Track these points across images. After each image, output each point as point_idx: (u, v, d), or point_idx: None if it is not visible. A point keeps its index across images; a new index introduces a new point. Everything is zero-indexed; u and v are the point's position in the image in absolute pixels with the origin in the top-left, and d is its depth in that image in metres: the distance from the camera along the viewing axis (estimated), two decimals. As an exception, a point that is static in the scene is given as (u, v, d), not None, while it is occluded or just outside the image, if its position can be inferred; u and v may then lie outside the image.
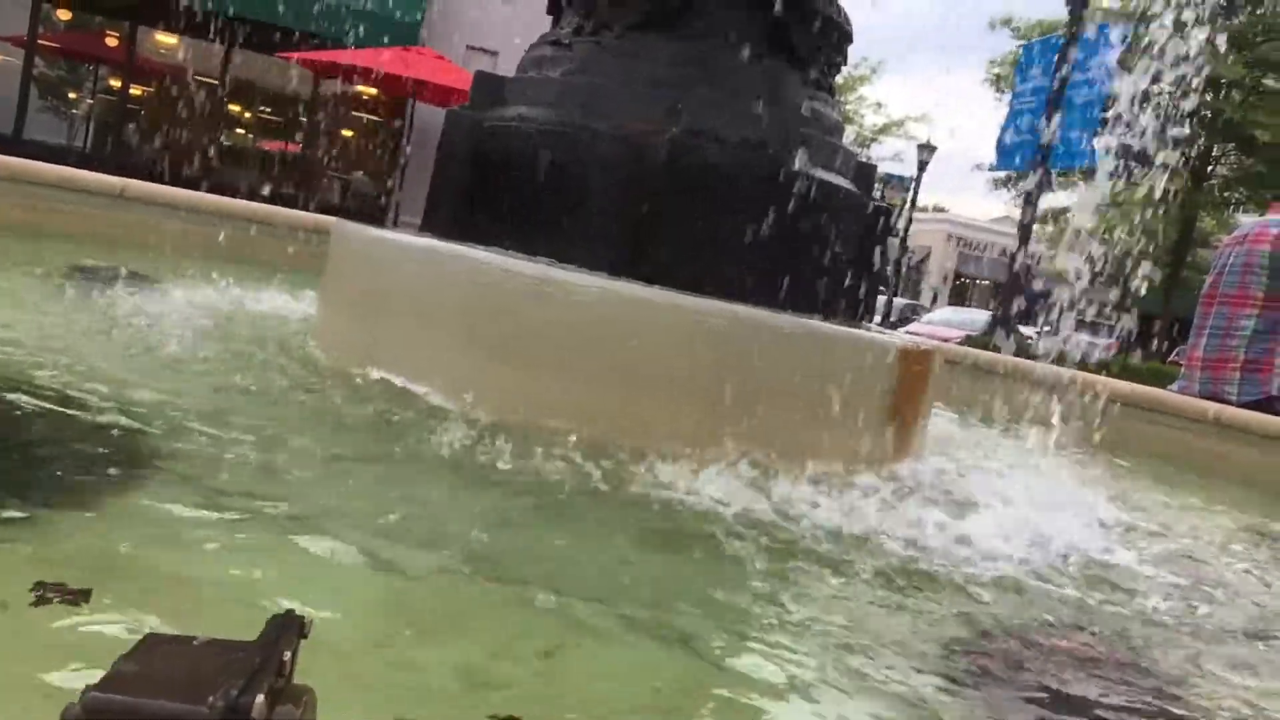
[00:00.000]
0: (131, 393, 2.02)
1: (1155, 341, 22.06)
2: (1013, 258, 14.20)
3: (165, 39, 16.48)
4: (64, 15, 16.32)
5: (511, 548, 1.64)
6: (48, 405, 1.83)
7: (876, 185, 3.02)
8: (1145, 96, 3.34)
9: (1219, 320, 4.64)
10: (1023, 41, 23.39)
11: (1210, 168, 24.04)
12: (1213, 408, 4.21)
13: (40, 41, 15.52)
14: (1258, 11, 22.23)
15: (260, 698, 0.56)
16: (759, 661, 1.30)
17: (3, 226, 4.18)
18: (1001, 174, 25.80)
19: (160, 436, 1.75)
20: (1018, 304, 12.74)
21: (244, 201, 5.24)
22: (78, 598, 1.06)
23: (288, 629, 0.65)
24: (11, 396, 1.87)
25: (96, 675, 0.57)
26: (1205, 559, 2.44)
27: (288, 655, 0.63)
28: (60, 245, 4.17)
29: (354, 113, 17.23)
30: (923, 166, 26.65)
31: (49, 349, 2.27)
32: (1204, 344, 4.72)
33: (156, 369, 2.30)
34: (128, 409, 1.88)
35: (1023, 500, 2.44)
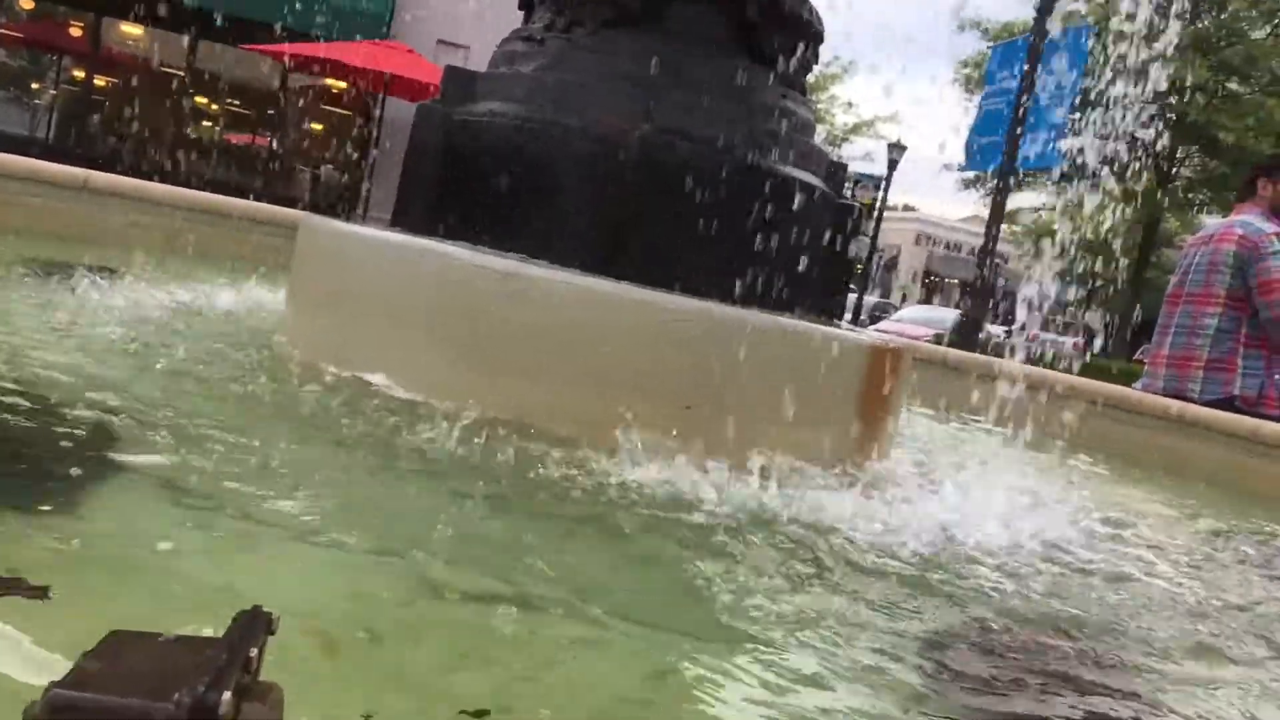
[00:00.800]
0: (94, 389, 1.99)
1: (1118, 341, 22.35)
2: (980, 257, 14.33)
3: (130, 30, 16.27)
4: (26, 4, 16.08)
5: (479, 544, 1.63)
6: (5, 400, 1.80)
7: (847, 184, 3.04)
8: (1110, 100, 3.38)
9: (1184, 319, 4.70)
10: (991, 43, 23.65)
11: (1175, 169, 24.43)
12: (1176, 405, 4.28)
13: (2, 31, 15.27)
14: (1221, 16, 22.62)
15: (227, 694, 0.55)
16: (735, 654, 1.31)
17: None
18: (970, 174, 26.07)
19: (123, 433, 1.73)
20: (986, 303, 12.87)
21: (209, 194, 5.18)
22: (37, 594, 1.04)
23: (254, 625, 0.65)
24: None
25: (59, 674, 0.56)
26: (1166, 553, 2.48)
27: (254, 651, 0.62)
28: (20, 238, 4.11)
29: (323, 106, 17.10)
30: (893, 166, 26.84)
31: (11, 344, 2.24)
32: (1169, 342, 4.78)
33: (119, 365, 2.27)
34: (90, 405, 1.86)
35: (988, 496, 2.46)
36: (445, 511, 1.75)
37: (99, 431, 1.72)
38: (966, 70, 27.72)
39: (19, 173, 4.50)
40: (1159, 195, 23.09)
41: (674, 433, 2.22)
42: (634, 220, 2.62)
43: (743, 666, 1.28)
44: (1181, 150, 24.00)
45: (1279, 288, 4.39)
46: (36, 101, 17.32)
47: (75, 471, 1.49)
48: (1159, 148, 22.44)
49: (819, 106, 31.08)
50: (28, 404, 1.80)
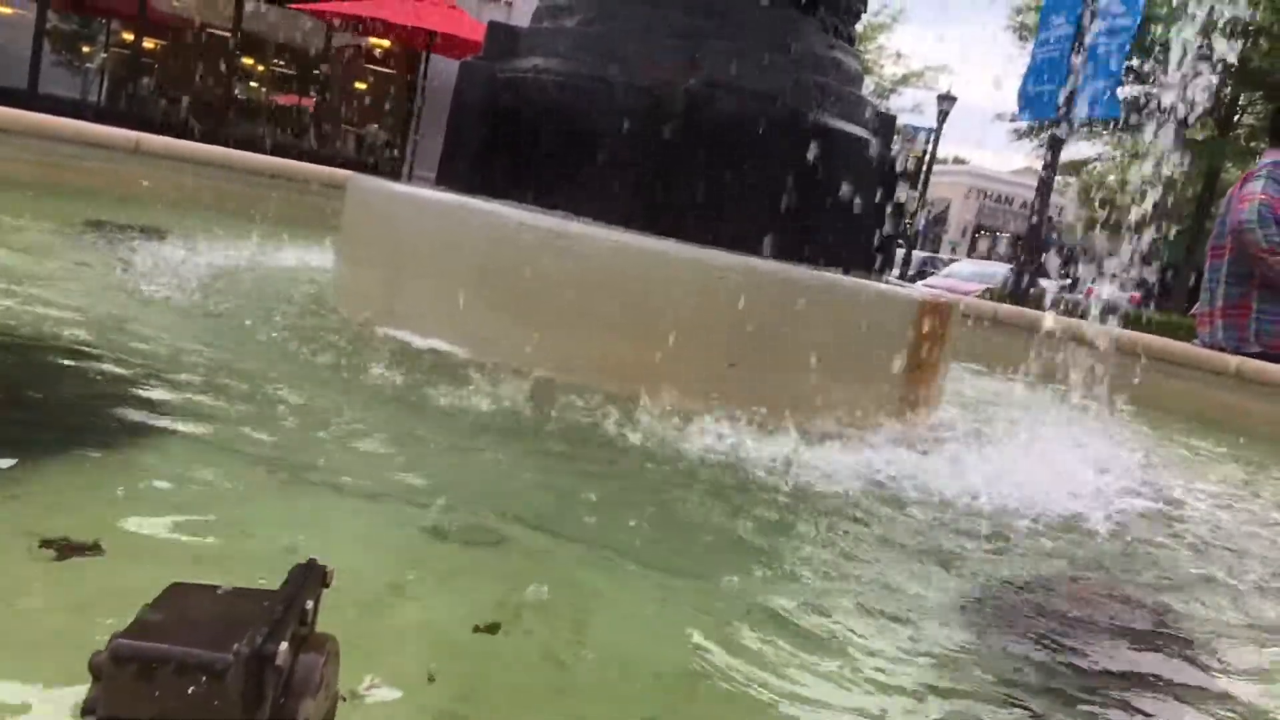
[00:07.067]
0: (148, 346, 2.03)
1: (1178, 294, 21.82)
2: (1034, 210, 14.04)
3: (178, -9, 16.36)
4: (75, -32, 16.19)
5: (527, 499, 1.65)
6: (61, 356, 1.84)
7: (896, 136, 2.98)
8: (1168, 45, 3.27)
9: (1212, 273, 4.60)
10: (1046, -12, 22.92)
11: (1236, 117, 23.62)
12: (1234, 361, 4.18)
13: (53, -6, 15.40)
14: (1288, -45, 21.66)
15: (284, 645, 0.57)
16: (776, 603, 1.31)
17: (20, 182, 4.18)
18: (1024, 125, 25.46)
19: (176, 389, 1.77)
20: (1039, 257, 12.62)
21: (258, 155, 5.23)
22: (89, 551, 1.07)
23: (310, 578, 0.66)
24: (25, 347, 1.88)
25: (120, 625, 0.58)
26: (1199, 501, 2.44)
27: (310, 604, 0.64)
28: (76, 200, 4.18)
29: (367, 65, 17.12)
30: (943, 117, 26.24)
31: (64, 302, 2.28)
32: (1203, 296, 4.72)
33: (173, 323, 2.31)
34: (144, 362, 1.90)
35: (1039, 454, 2.43)
36: (493, 466, 1.77)
37: (148, 386, 1.76)
38: (1020, 16, 26.95)
39: (74, 136, 4.58)
40: (1220, 143, 22.36)
41: (718, 390, 2.22)
42: (680, 175, 2.59)
43: (792, 624, 1.28)
44: (1244, 97, 23.19)
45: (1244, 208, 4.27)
46: (88, 65, 17.50)
47: (137, 426, 1.53)
48: (1221, 95, 21.70)
49: (867, 57, 30.47)
50: (95, 362, 1.84)
